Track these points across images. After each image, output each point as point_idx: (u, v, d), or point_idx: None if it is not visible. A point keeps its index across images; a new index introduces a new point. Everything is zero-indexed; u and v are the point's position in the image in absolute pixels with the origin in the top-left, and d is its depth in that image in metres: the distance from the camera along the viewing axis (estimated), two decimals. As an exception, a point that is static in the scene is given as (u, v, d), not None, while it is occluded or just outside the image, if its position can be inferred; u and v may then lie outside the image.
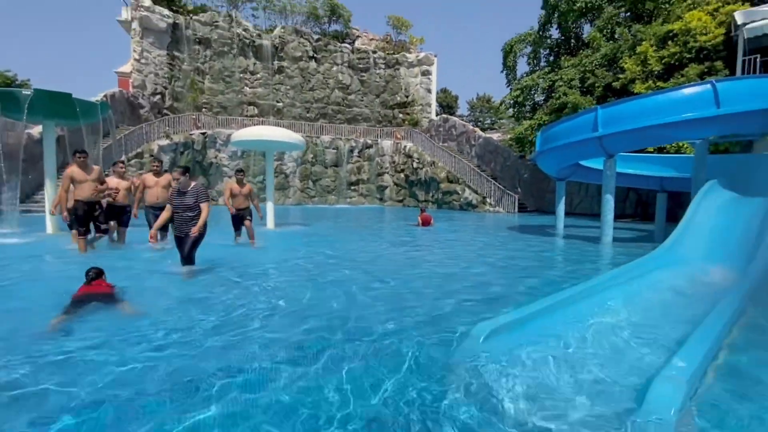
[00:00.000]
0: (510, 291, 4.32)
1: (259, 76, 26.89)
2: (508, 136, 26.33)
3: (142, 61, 22.19)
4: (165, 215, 4.64)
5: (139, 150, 17.47)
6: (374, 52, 29.38)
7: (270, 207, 9.61)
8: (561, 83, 14.63)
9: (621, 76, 12.91)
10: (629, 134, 6.51)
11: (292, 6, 28.02)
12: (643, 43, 12.41)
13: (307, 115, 27.71)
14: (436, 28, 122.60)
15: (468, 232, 10.63)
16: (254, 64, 26.66)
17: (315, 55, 27.99)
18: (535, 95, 17.91)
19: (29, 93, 6.13)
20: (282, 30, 27.22)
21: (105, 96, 18.22)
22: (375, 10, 73.36)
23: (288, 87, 27.40)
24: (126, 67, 25.24)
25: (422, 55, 29.37)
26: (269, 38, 26.75)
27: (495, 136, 24.94)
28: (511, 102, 18.26)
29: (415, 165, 23.28)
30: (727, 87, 6.05)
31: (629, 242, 8.39)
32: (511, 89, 19.43)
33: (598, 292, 3.58)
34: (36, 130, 13.14)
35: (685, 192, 9.14)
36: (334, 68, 28.49)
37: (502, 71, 20.35)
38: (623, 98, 8.51)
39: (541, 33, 18.72)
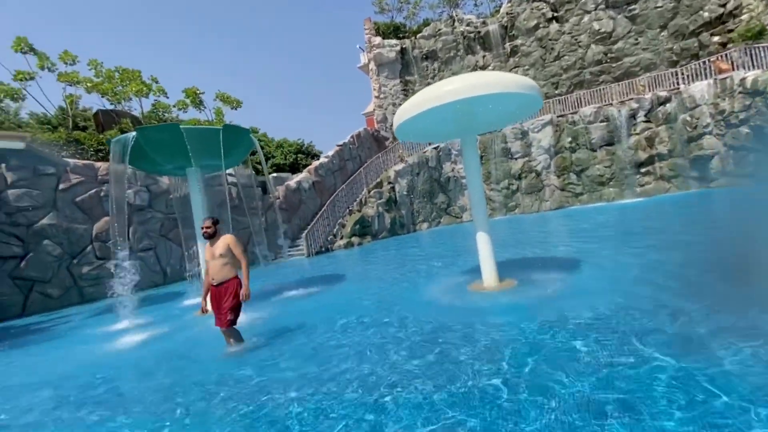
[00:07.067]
0: None
1: (491, 68, 23.45)
2: None
3: (381, 96, 23.52)
4: None
5: (378, 179, 17.59)
6: (648, -35, 19.69)
7: (483, 241, 5.20)
8: None
9: None
10: None
11: (517, -29, 23.09)
12: None
13: (556, 92, 21.58)
14: None
15: None
16: (483, 57, 23.51)
17: (555, 14, 21.72)
18: None
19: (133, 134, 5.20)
20: (509, 4, 22.79)
21: (352, 137, 19.79)
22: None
23: (526, 66, 22.43)
24: (370, 107, 28.02)
25: None
26: (495, 21, 22.96)
27: None
28: None
29: (775, 105, 12.69)
30: None
31: None
32: None
33: None
34: (293, 180, 14.95)
35: None
36: (585, 18, 21.05)
37: None
38: None
39: None
